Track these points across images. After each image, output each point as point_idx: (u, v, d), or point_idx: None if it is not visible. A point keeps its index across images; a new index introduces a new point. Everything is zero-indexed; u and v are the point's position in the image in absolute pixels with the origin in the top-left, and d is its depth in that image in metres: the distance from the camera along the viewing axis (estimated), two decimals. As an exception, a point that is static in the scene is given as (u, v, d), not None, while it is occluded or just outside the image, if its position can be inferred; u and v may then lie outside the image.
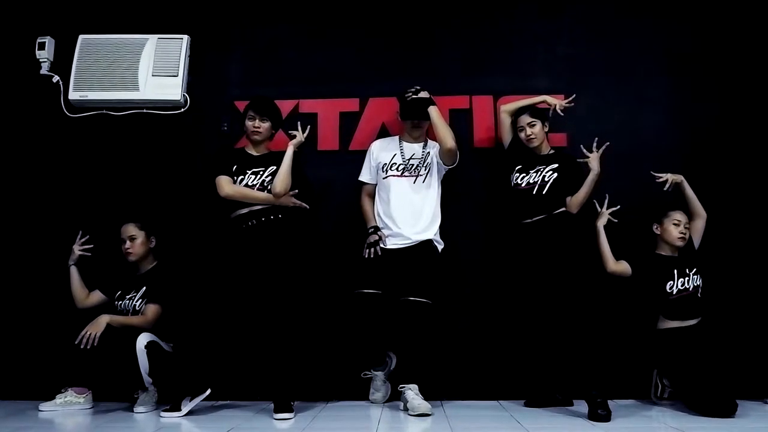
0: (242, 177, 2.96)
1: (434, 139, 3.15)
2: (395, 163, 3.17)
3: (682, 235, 3.05)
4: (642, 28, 3.57)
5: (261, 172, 2.98)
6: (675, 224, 3.05)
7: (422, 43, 3.59)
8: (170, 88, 3.50)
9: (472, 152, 3.41)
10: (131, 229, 3.12)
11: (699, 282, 3.01)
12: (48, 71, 3.59)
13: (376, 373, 3.13)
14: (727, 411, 2.64)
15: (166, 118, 3.54)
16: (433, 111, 3.09)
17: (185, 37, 3.57)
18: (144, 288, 3.06)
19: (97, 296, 3.17)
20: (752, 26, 3.52)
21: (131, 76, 3.50)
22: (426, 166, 3.16)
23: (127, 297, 3.07)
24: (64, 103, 3.55)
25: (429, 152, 3.19)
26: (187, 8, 3.68)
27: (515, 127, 3.19)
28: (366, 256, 3.05)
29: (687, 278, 2.99)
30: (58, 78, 3.58)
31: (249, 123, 3.04)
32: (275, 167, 2.97)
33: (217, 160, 3.00)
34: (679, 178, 3.17)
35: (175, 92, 3.50)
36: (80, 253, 3.20)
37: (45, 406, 2.92)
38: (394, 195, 3.13)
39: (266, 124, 3.05)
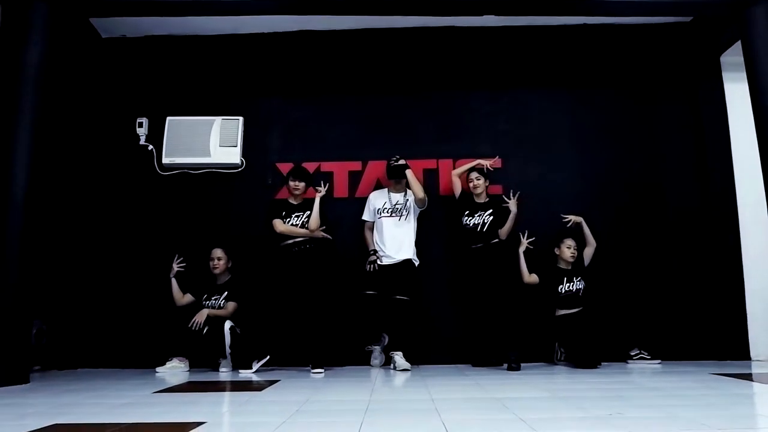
0: (289, 219, 4.52)
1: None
2: (385, 208, 4.74)
3: (572, 255, 4.64)
4: (557, 111, 5.19)
5: (300, 215, 4.54)
6: (567, 247, 4.65)
7: (404, 123, 5.18)
8: (231, 154, 5.08)
9: (438, 198, 4.99)
10: (219, 253, 4.69)
11: (581, 286, 4.59)
12: (144, 142, 5.16)
13: (374, 347, 4.71)
14: (593, 364, 4.27)
15: (229, 175, 5.12)
16: (408, 173, 4.68)
17: (240, 119, 5.14)
18: (226, 292, 4.64)
19: (188, 297, 4.72)
20: (629, 111, 5.17)
21: (204, 146, 5.07)
22: (406, 209, 4.74)
23: (213, 298, 4.65)
24: (157, 165, 5.12)
25: (408, 199, 4.76)
26: (240, 99, 5.25)
27: (466, 181, 4.78)
28: (368, 269, 4.62)
29: (572, 283, 4.58)
30: (152, 147, 5.15)
31: (291, 183, 4.60)
32: (309, 211, 4.53)
33: (271, 209, 4.56)
34: (579, 219, 4.77)
35: (235, 157, 5.08)
36: (177, 269, 4.76)
37: (160, 369, 4.48)
38: (385, 229, 4.69)
39: (302, 184, 4.61)
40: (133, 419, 2.49)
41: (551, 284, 4.63)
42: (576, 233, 4.74)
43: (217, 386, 3.65)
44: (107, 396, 3.23)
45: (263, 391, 3.31)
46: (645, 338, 4.66)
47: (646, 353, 4.59)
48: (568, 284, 4.59)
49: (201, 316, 4.44)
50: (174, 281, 4.73)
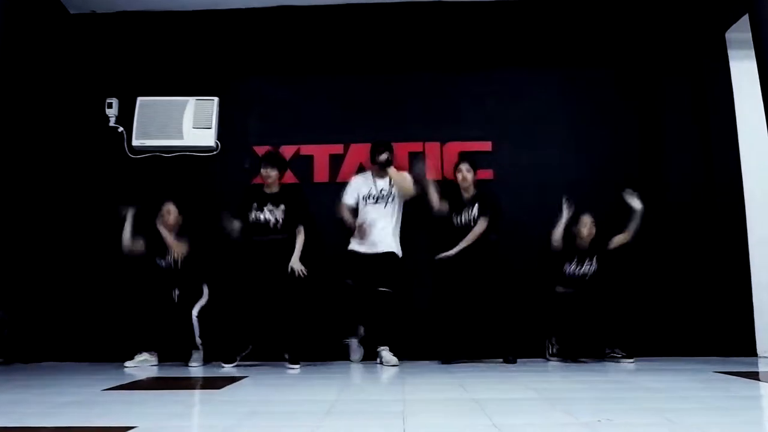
0: (260, 212, 4.18)
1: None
2: (371, 195, 4.41)
3: (589, 233, 4.30)
4: (550, 92, 4.86)
5: (274, 210, 4.19)
6: (584, 225, 4.32)
7: (389, 104, 4.85)
8: (206, 137, 4.78)
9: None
10: (170, 206, 4.39)
11: (591, 270, 4.26)
12: (114, 124, 4.86)
13: (351, 339, 4.39)
14: (586, 355, 3.99)
15: (203, 159, 4.81)
16: (391, 171, 4.34)
17: (216, 99, 4.82)
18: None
19: (139, 245, 4.33)
20: (628, 92, 4.85)
21: (177, 127, 4.77)
22: (391, 195, 4.41)
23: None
24: (127, 148, 4.82)
25: (393, 185, 4.45)
26: (216, 78, 4.94)
27: (453, 173, 4.41)
28: (356, 236, 4.30)
29: (582, 265, 4.27)
30: (122, 129, 4.85)
31: (263, 171, 4.27)
32: (284, 205, 4.19)
33: (243, 199, 4.25)
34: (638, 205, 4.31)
35: (209, 140, 4.78)
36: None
37: (128, 363, 4.17)
38: (369, 217, 4.35)
39: (274, 172, 4.28)
40: (61, 422, 2.21)
41: (558, 262, 4.32)
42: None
43: (176, 383, 3.37)
44: (54, 393, 2.95)
45: (222, 390, 3.03)
46: (632, 334, 4.30)
47: (620, 352, 4.20)
48: (576, 266, 4.28)
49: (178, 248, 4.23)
50: (129, 222, 4.35)
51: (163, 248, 4.37)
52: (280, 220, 4.21)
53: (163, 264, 4.36)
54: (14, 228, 4.61)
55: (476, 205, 4.33)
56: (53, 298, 4.67)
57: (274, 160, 4.33)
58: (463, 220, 4.33)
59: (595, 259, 4.30)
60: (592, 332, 4.10)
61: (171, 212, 4.41)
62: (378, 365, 4.13)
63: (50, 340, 4.61)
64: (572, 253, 4.33)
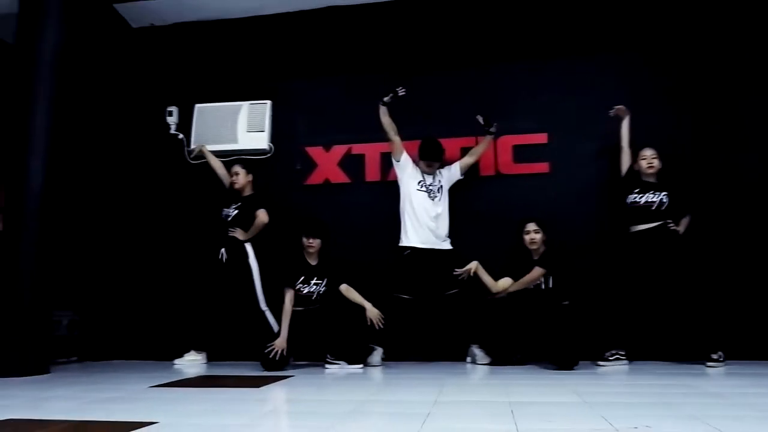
0: (305, 285, 4.08)
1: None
2: (423, 183, 4.30)
3: (649, 165, 3.99)
4: (604, 78, 4.52)
5: (319, 285, 4.12)
6: (643, 158, 4.02)
7: (439, 99, 4.71)
8: (259, 140, 4.86)
9: (478, 180, 4.54)
10: (237, 168, 4.52)
11: (660, 200, 3.93)
12: (175, 131, 5.04)
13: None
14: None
15: (257, 161, 4.86)
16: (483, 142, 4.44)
17: (268, 102, 4.91)
18: (240, 203, 4.50)
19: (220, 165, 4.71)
20: (699, 75, 4.46)
21: (232, 132, 4.88)
22: (440, 191, 4.32)
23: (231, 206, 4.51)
24: (187, 153, 4.99)
25: (440, 179, 4.35)
26: (267, 81, 5.01)
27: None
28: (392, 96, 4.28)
29: (646, 195, 3.96)
30: (182, 135, 5.02)
31: (305, 240, 4.16)
32: (327, 279, 4.14)
33: (289, 270, 4.14)
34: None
35: (263, 143, 4.86)
36: None
37: (177, 361, 4.32)
38: (421, 205, 4.24)
39: (317, 242, 4.16)
40: (92, 416, 2.29)
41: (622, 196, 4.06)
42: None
43: (221, 381, 3.41)
44: (100, 389, 3.08)
45: (260, 388, 3.04)
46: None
47: (622, 353, 3.87)
48: (639, 195, 3.96)
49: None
50: (209, 154, 4.78)
51: (229, 198, 4.54)
52: (322, 293, 4.16)
53: (223, 214, 4.50)
54: (83, 233, 4.86)
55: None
56: (121, 298, 4.90)
57: (316, 229, 4.22)
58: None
59: (665, 194, 3.94)
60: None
61: (239, 173, 4.51)
62: (469, 364, 4.07)
63: (121, 338, 4.84)
64: (636, 185, 4.02)
